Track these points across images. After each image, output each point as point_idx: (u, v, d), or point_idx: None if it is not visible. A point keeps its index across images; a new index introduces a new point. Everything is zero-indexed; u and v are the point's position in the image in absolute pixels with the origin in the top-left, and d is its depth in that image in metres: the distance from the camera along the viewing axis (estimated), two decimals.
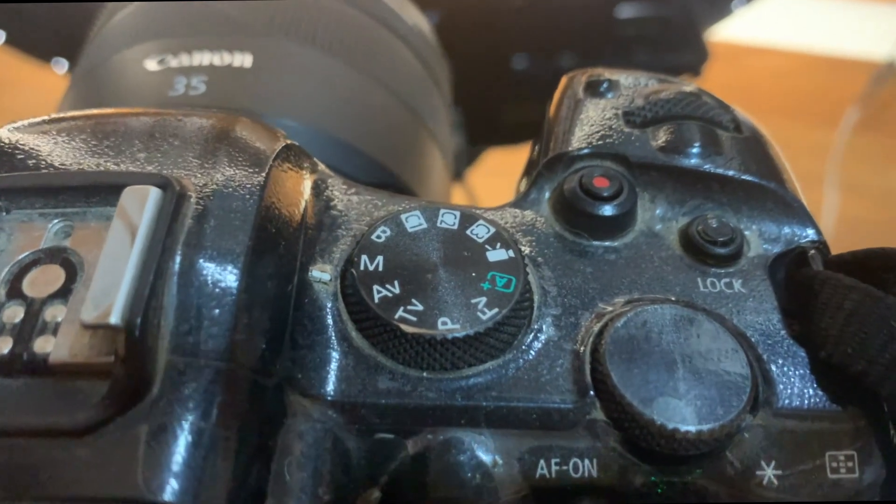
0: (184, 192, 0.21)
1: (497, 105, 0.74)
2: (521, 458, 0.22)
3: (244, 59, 0.32)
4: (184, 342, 0.19)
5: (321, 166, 0.26)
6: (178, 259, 0.20)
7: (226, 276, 0.20)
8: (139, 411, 0.18)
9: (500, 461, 0.22)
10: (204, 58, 0.32)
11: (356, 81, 0.34)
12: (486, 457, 0.22)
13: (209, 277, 0.20)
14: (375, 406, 0.22)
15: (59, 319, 0.19)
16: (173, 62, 0.32)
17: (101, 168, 0.22)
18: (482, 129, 0.74)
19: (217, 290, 0.20)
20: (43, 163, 0.22)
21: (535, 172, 0.27)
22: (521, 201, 0.26)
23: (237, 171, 0.22)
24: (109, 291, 0.19)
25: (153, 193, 0.20)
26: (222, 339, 0.20)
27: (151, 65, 0.32)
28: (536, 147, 0.29)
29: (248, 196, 0.22)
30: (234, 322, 0.20)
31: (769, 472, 0.22)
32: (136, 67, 0.32)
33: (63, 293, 0.20)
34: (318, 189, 0.25)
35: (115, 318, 0.18)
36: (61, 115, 0.24)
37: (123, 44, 0.34)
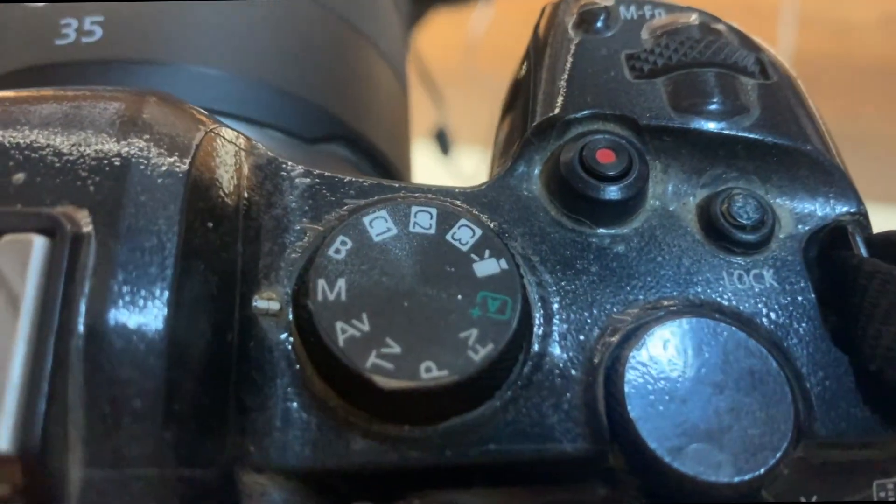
0: (79, 234, 0.16)
1: None
2: None
3: None
4: (101, 450, 0.15)
5: (257, 146, 0.20)
6: (81, 334, 0.15)
7: (146, 348, 0.16)
8: None
9: None
10: None
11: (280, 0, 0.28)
12: None
13: (125, 354, 0.15)
14: (348, 472, 0.18)
15: None
16: None
17: None
18: None
19: (137, 369, 0.15)
20: None
21: (520, 140, 0.22)
22: (505, 177, 0.22)
23: (147, 182, 0.17)
24: None
25: (37, 244, 0.15)
26: (149, 438, 0.15)
27: None
28: (516, 96, 0.24)
29: (165, 222, 0.17)
30: (165, 410, 0.15)
31: None
32: (15, 2, 0.26)
33: None
34: (255, 182, 0.20)
35: (4, 444, 0.14)
36: None
37: None
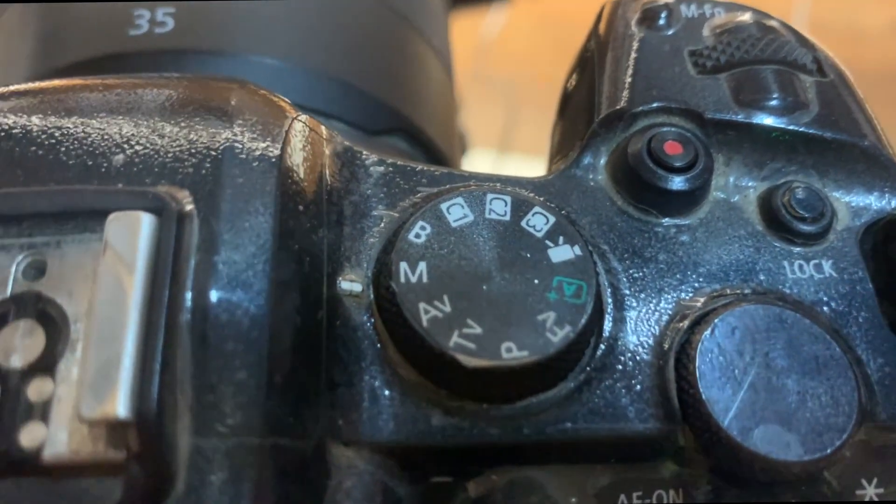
0: (183, 213, 0.16)
1: None
2: (598, 495, 0.19)
3: None
4: (208, 419, 0.15)
5: (334, 135, 0.21)
6: (188, 308, 0.16)
7: (249, 323, 0.16)
8: None
9: (575, 501, 0.19)
10: None
11: None
12: (559, 497, 0.19)
13: (229, 328, 0.16)
14: (429, 447, 0.18)
15: (48, 398, 0.15)
16: None
17: (69, 176, 0.17)
18: None
19: (241, 342, 0.16)
20: None
21: (587, 131, 0.22)
22: (572, 168, 0.22)
23: (244, 166, 0.18)
24: (109, 372, 0.15)
25: (146, 221, 0.16)
26: (253, 407, 0.16)
27: None
28: (575, 86, 0.25)
29: (262, 203, 0.17)
30: (266, 382, 0.16)
31: (870, 491, 0.20)
32: None
33: (47, 362, 0.16)
34: (334, 169, 0.21)
35: (122, 410, 0.14)
36: None
37: None
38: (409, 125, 0.29)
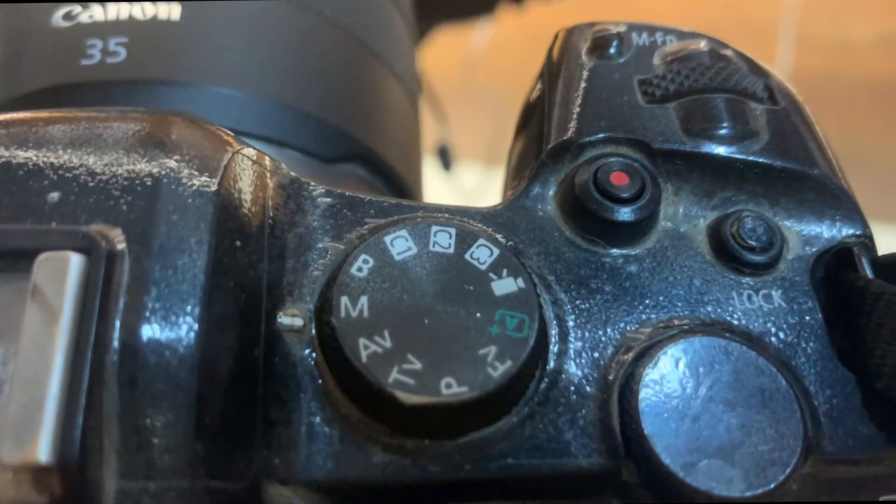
0: (114, 252, 0.16)
1: None
2: None
3: (171, 10, 0.26)
4: (134, 462, 0.15)
5: (280, 166, 0.21)
6: (115, 349, 0.15)
7: (178, 363, 0.16)
8: None
9: None
10: (122, 9, 0.26)
11: (301, 23, 0.28)
12: None
13: (158, 368, 0.16)
14: (369, 485, 0.18)
15: None
16: (84, 16, 0.26)
17: (2, 214, 0.17)
18: (430, 2, 0.70)
19: (170, 383, 0.16)
20: None
21: (536, 162, 0.22)
22: (521, 198, 0.22)
23: (179, 202, 0.17)
24: (32, 416, 0.14)
25: (74, 262, 0.16)
26: (181, 449, 0.16)
27: (58, 18, 0.26)
28: (535, 104, 0.25)
29: (196, 241, 0.17)
30: (195, 423, 0.16)
31: None
32: (41, 21, 0.26)
33: None
34: (279, 201, 0.20)
35: (43, 455, 0.14)
36: None
37: None
38: (367, 152, 0.29)
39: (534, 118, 0.26)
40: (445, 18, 0.76)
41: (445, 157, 0.86)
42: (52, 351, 0.15)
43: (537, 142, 0.23)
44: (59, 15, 0.26)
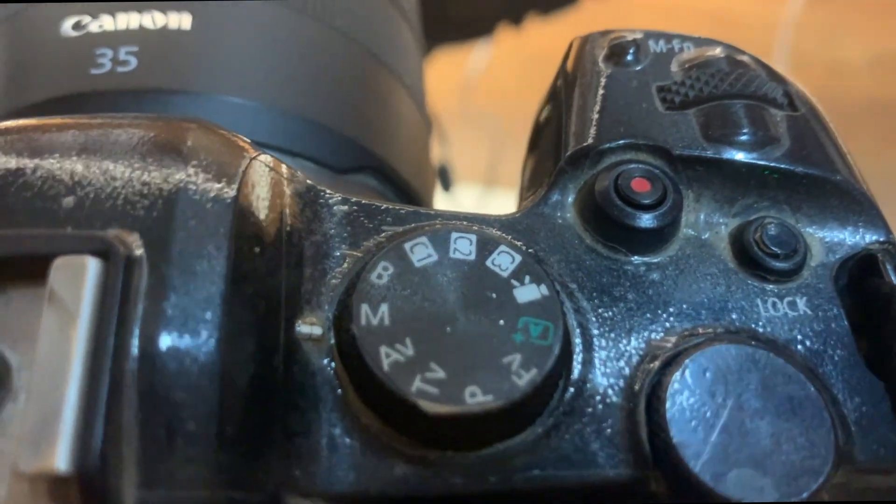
0: (132, 257, 0.16)
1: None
2: None
3: (181, 19, 0.26)
4: (154, 472, 0.15)
5: (296, 174, 0.21)
6: (135, 357, 0.15)
7: (199, 371, 0.16)
8: None
9: None
10: (132, 19, 0.26)
11: (313, 33, 0.28)
12: None
13: (178, 377, 0.15)
14: (391, 498, 0.18)
15: None
16: (93, 25, 0.26)
17: (17, 220, 0.17)
18: (429, 24, 0.70)
19: (191, 392, 0.15)
20: None
21: (555, 169, 0.22)
22: (540, 205, 0.22)
23: (197, 208, 0.17)
24: (50, 424, 0.14)
25: (92, 266, 0.15)
26: (202, 460, 0.15)
27: (67, 28, 0.26)
28: (545, 120, 0.25)
29: (215, 246, 0.17)
30: (217, 433, 0.15)
31: None
32: (50, 31, 0.26)
33: None
34: (296, 209, 0.20)
35: (62, 464, 0.14)
36: None
37: None
38: (378, 162, 0.28)
39: (545, 135, 0.25)
40: (445, 40, 0.76)
41: (445, 178, 0.86)
42: (70, 358, 0.15)
43: (554, 151, 0.23)
44: (68, 25, 0.26)
